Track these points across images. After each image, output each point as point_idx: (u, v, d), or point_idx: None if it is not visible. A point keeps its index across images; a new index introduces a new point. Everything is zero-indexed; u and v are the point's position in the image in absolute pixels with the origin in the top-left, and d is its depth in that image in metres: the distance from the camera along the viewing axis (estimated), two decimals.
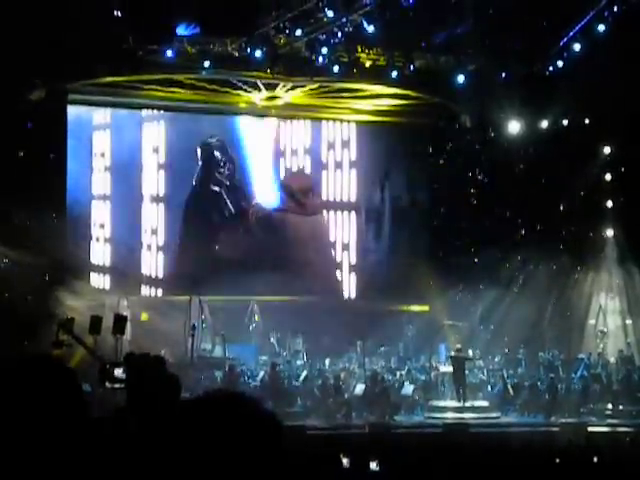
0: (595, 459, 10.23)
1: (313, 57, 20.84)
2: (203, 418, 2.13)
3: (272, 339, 21.42)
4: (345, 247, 23.83)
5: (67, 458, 2.21)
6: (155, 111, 22.79)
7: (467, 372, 20.43)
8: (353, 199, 24.06)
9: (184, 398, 2.34)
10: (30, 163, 19.96)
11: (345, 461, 7.63)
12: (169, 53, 20.21)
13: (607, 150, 24.07)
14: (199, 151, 22.69)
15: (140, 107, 22.01)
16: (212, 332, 21.00)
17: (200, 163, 22.78)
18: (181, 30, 19.87)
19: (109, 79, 20.69)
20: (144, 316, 20.61)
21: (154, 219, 22.49)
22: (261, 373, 19.77)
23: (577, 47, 21.16)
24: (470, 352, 21.27)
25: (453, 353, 20.59)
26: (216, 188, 22.91)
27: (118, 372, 5.57)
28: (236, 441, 2.08)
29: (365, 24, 20.09)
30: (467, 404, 19.64)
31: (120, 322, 17.38)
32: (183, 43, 20.30)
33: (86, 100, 21.21)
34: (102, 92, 21.10)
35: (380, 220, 23.94)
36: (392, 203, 24.15)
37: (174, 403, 2.20)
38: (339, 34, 20.54)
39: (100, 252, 21.72)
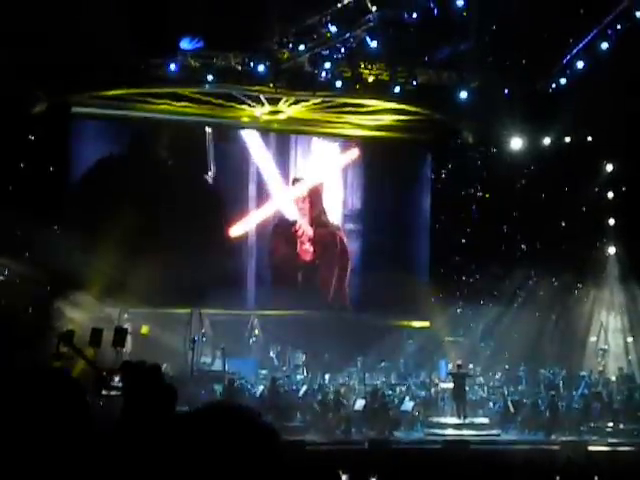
0: (595, 478, 10.17)
1: (316, 72, 20.92)
2: (201, 429, 2.12)
3: (272, 353, 21.38)
4: (346, 262, 23.76)
5: (70, 468, 2.20)
6: None
7: (467, 389, 20.38)
8: (354, 214, 24.03)
9: (183, 411, 2.33)
10: (32, 175, 20.03)
11: (344, 477, 7.59)
12: (172, 67, 20.31)
13: (609, 168, 24.11)
14: None
15: (142, 120, 22.03)
16: (212, 346, 20.97)
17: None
18: (185, 44, 19.97)
19: (112, 92, 20.79)
20: (144, 329, 20.56)
21: None
22: (261, 387, 19.72)
23: (580, 65, 21.22)
24: (471, 367, 21.23)
25: (453, 369, 20.55)
26: None
27: (115, 380, 5.56)
28: (234, 452, 2.07)
29: (368, 40, 20.16)
30: (467, 421, 19.57)
31: (120, 335, 17.33)
32: (186, 57, 20.40)
33: (89, 113, 21.24)
34: (105, 105, 21.16)
35: (381, 235, 23.89)
36: (393, 219, 24.12)
37: (170, 411, 2.19)
38: (342, 49, 20.62)
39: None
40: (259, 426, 2.16)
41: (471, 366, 21.53)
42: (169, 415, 2.16)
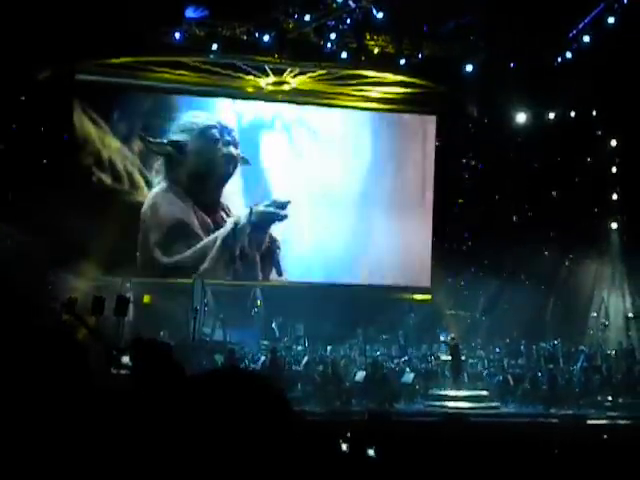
0: (594, 450, 10.25)
1: (321, 43, 20.81)
2: (212, 391, 2.14)
3: (274, 324, 21.45)
4: (349, 234, 23.75)
5: (69, 423, 2.23)
6: None
7: (469, 360, 20.56)
8: (357, 187, 23.96)
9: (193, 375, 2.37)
10: (33, 141, 20.02)
11: (344, 446, 7.67)
12: (177, 35, 20.22)
13: (613, 143, 24.04)
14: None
15: (147, 89, 21.94)
16: (213, 316, 21.05)
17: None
18: (190, 13, 19.87)
19: (116, 60, 20.70)
20: (146, 298, 20.66)
21: None
22: (262, 358, 19.81)
23: (586, 39, 21.10)
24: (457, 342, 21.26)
25: (449, 342, 20.72)
26: None
27: (125, 359, 5.55)
28: (247, 416, 2.10)
29: (374, 11, 20.04)
30: (467, 393, 19.69)
31: (122, 304, 17.47)
32: (191, 26, 20.30)
33: (93, 81, 21.15)
34: (109, 73, 21.07)
35: (383, 208, 23.85)
36: (396, 191, 24.07)
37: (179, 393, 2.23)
38: (348, 20, 20.50)
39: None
40: (271, 392, 2.19)
41: (471, 340, 21.63)
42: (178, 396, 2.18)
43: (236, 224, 22.38)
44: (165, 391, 2.97)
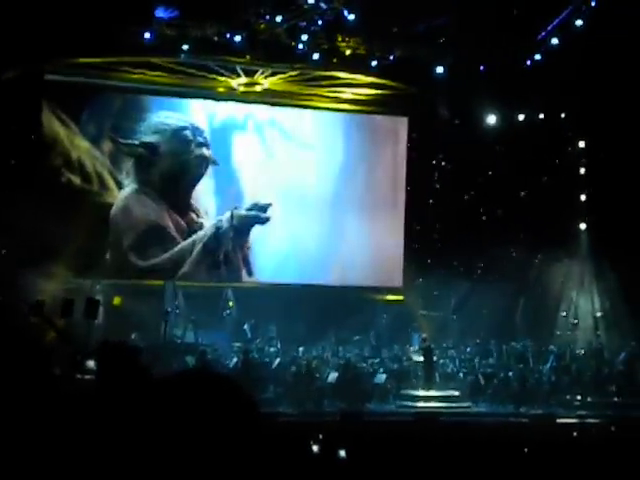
0: (563, 449, 10.33)
1: (293, 44, 20.80)
2: (180, 395, 2.13)
3: (246, 326, 21.40)
4: (322, 235, 23.74)
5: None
6: None
7: (440, 361, 20.65)
8: (330, 188, 23.96)
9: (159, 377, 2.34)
10: (4, 142, 19.81)
11: (315, 448, 7.66)
12: (147, 36, 20.10)
13: (582, 144, 24.27)
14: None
15: (117, 90, 21.79)
16: (185, 318, 20.96)
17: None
18: (160, 13, 19.77)
19: (86, 60, 20.54)
20: (117, 300, 20.49)
21: None
22: (234, 359, 19.77)
23: (555, 41, 21.28)
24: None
25: (422, 343, 20.81)
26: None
27: (90, 363, 5.46)
28: (214, 419, 2.08)
29: (346, 13, 20.07)
30: (438, 393, 19.78)
31: (92, 306, 17.30)
32: (162, 26, 20.19)
33: (62, 81, 20.95)
34: (79, 73, 20.89)
35: (355, 209, 23.88)
36: (368, 192, 24.11)
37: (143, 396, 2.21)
38: (319, 22, 20.51)
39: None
40: (240, 395, 2.17)
41: (444, 340, 21.71)
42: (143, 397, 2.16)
43: (218, 228, 22.28)
44: (129, 395, 2.95)
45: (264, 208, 22.79)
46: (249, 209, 22.72)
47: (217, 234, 22.27)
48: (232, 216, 22.36)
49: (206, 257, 22.16)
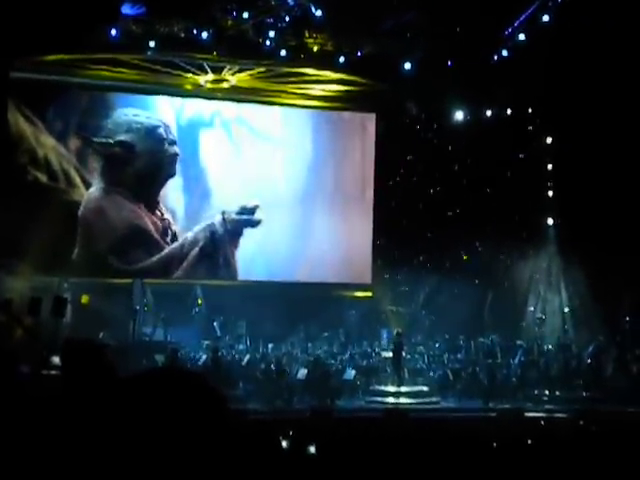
0: (530, 442, 10.41)
1: (260, 40, 20.76)
2: (147, 392, 2.11)
3: (215, 323, 21.34)
4: (290, 232, 23.73)
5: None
6: None
7: (408, 356, 20.70)
8: (298, 184, 23.95)
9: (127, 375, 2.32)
10: None
11: (284, 444, 7.66)
12: (113, 32, 19.95)
13: (549, 140, 24.44)
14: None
15: (83, 87, 21.60)
16: (154, 316, 20.85)
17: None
18: (126, 9, 19.62)
19: (52, 57, 20.35)
20: (84, 299, 20.34)
21: None
22: (203, 357, 19.71)
23: (522, 37, 21.42)
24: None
25: (394, 337, 20.86)
26: None
27: (55, 360, 5.44)
28: (182, 415, 2.07)
29: (313, 9, 20.06)
30: (407, 389, 19.85)
31: (60, 304, 17.18)
32: (128, 23, 20.04)
33: (28, 79, 20.74)
34: (45, 71, 20.70)
35: (324, 205, 23.89)
36: (336, 188, 24.13)
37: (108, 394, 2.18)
38: (287, 18, 20.48)
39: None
40: (207, 390, 2.16)
41: (412, 336, 21.77)
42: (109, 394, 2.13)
43: (212, 233, 22.19)
44: (93, 392, 2.93)
45: (252, 210, 22.80)
46: (239, 213, 22.69)
47: (213, 238, 22.27)
48: (224, 220, 22.34)
49: (202, 260, 22.22)
